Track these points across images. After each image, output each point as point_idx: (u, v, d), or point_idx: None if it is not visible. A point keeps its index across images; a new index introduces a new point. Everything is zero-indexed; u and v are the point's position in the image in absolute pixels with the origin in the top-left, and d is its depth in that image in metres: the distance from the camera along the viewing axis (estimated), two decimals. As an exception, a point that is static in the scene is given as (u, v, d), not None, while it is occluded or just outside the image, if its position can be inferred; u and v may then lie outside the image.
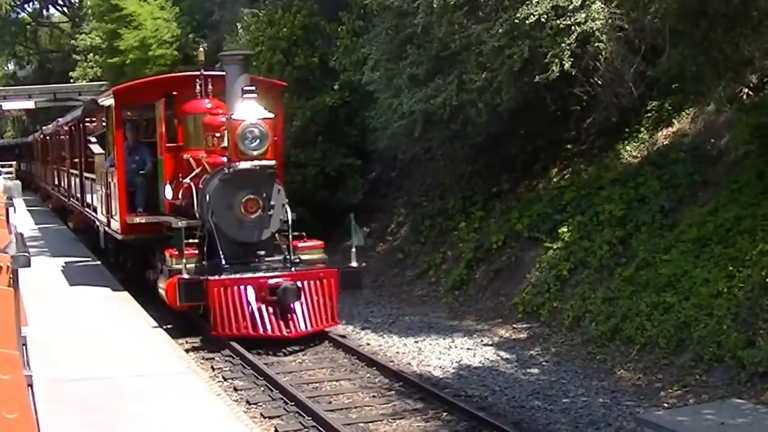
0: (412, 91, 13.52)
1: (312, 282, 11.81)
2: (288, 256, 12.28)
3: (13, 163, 47.43)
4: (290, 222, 12.40)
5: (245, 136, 11.94)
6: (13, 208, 8.64)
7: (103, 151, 16.14)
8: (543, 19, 11.59)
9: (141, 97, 14.84)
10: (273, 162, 12.35)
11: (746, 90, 11.36)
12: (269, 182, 12.36)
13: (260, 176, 12.21)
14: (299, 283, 11.60)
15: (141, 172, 14.65)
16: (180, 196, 13.44)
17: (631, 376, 9.73)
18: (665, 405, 8.77)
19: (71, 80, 40.41)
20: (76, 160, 21.18)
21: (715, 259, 10.16)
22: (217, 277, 11.56)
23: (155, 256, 13.55)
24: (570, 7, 11.65)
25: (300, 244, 12.54)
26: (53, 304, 12.93)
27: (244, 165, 12.02)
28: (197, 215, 12.62)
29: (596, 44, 11.96)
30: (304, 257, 12.43)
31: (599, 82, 12.99)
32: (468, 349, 11.42)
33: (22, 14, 55.79)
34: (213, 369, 10.74)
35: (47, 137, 31.12)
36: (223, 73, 13.00)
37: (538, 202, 13.83)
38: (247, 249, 12.24)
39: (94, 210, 17.69)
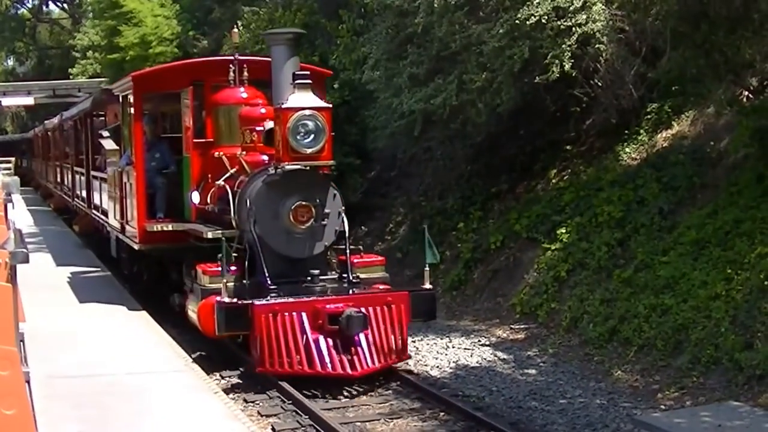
0: (412, 91, 13.49)
1: (379, 308, 9.86)
2: (346, 276, 10.48)
3: (12, 159, 47.23)
4: (347, 233, 10.62)
5: (297, 130, 10.06)
6: (12, 204, 8.64)
7: (117, 147, 14.33)
8: (544, 20, 11.58)
9: (164, 85, 12.85)
10: (331, 162, 10.55)
11: (746, 93, 11.37)
12: (324, 186, 10.57)
13: (313, 179, 10.46)
14: (364, 310, 9.73)
15: (164, 171, 12.97)
16: (209, 200, 11.65)
17: (628, 377, 9.73)
18: (662, 407, 8.76)
19: (71, 77, 40.44)
20: (82, 156, 19.69)
21: (713, 262, 10.16)
22: (264, 302, 9.60)
23: (178, 270, 12.07)
24: (571, 8, 11.65)
25: (356, 260, 10.72)
26: (54, 304, 12.91)
27: (293, 165, 10.18)
28: (234, 224, 10.75)
29: (597, 46, 11.97)
30: (362, 275, 10.57)
31: (599, 83, 12.99)
32: (465, 349, 11.41)
33: (22, 10, 56.00)
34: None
35: (49, 132, 30.03)
36: (260, 58, 11.71)
37: (537, 203, 13.82)
38: (297, 266, 10.40)
39: (105, 213, 15.77)
